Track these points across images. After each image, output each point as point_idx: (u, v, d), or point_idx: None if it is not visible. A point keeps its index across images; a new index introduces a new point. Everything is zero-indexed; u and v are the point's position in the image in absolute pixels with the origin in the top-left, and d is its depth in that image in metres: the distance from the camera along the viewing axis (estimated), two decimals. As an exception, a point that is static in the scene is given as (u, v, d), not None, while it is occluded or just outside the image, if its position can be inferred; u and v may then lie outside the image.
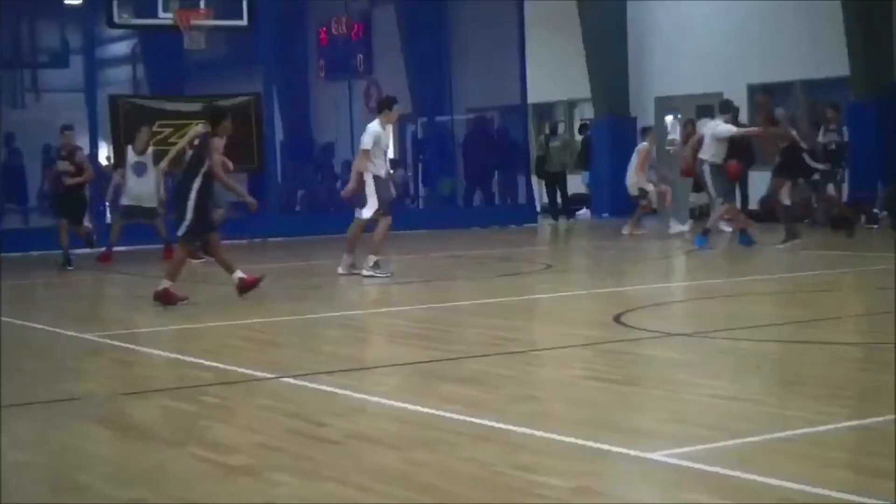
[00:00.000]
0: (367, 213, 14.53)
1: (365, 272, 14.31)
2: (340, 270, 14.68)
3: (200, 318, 11.92)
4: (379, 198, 14.40)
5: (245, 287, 12.46)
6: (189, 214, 12.28)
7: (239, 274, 12.53)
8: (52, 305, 14.35)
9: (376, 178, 14.44)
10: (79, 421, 7.32)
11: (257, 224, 24.17)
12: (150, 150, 17.95)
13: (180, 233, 12.55)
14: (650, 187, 20.84)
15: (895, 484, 5.11)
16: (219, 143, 12.42)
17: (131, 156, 17.92)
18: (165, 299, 12.16)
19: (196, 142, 12.63)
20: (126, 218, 18.13)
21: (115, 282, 16.61)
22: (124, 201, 18.09)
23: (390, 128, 15.42)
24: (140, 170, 17.76)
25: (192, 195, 12.25)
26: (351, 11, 32.25)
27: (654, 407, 7.27)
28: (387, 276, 14.30)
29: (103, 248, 18.12)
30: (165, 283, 12.24)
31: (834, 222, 19.53)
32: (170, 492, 5.52)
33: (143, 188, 17.75)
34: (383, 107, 15.00)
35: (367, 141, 14.44)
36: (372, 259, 14.35)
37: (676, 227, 20.58)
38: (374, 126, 14.57)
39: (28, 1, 35.35)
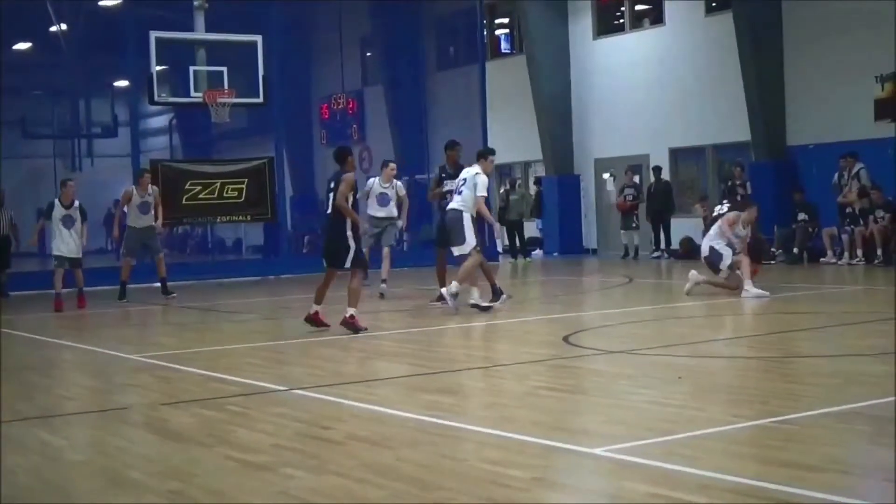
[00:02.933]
0: (466, 248, 13.42)
1: (452, 301, 13.19)
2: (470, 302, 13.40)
3: (225, 342, 11.87)
4: (476, 236, 13.57)
5: (351, 325, 11.66)
6: (351, 244, 11.57)
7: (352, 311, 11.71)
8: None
9: (473, 219, 13.53)
10: (127, 427, 7.29)
11: (272, 264, 24.20)
12: (77, 203, 15.94)
13: (349, 263, 11.57)
14: (726, 252, 14.55)
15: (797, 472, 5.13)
16: (349, 177, 11.34)
17: (58, 209, 15.91)
18: (353, 327, 11.62)
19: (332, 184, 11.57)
20: (59, 266, 16.00)
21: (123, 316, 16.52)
22: (54, 251, 16.04)
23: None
24: (68, 222, 15.92)
25: (347, 230, 11.55)
26: (347, 90, 32.45)
27: (597, 411, 7.26)
28: (455, 309, 13.21)
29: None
30: (350, 311, 11.65)
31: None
32: (202, 484, 5.48)
33: (71, 240, 15.91)
34: (488, 154, 13.75)
35: (482, 188, 13.41)
36: (455, 287, 13.19)
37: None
38: (484, 177, 13.45)
39: (85, 82, 35.43)
